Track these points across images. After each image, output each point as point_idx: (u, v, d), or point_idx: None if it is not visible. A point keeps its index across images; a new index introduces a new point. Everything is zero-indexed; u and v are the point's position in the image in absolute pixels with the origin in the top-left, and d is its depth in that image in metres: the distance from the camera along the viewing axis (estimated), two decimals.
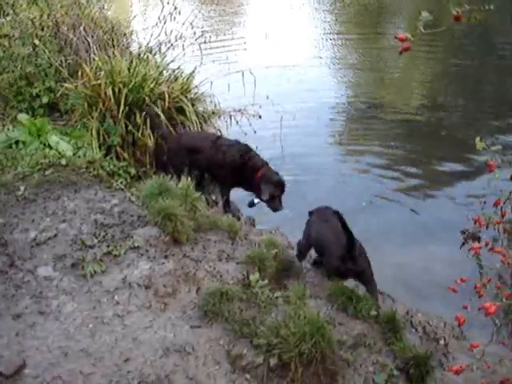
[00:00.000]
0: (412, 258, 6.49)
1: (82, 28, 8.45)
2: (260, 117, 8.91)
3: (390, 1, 24.71)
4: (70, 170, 6.12)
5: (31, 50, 7.98)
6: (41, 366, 3.89)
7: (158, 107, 7.32)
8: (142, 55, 8.31)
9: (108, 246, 5.05)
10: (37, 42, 7.99)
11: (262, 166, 6.65)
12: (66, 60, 8.10)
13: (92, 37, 8.43)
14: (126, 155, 7.30)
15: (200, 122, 7.86)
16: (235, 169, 6.72)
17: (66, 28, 8.40)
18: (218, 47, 14.62)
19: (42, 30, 8.38)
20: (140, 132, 7.28)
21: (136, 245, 5.11)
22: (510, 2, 18.10)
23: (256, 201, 6.84)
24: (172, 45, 8.70)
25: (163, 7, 8.91)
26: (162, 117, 7.29)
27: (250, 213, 7.12)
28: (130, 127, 7.28)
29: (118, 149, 7.29)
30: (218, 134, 7.92)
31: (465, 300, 3.65)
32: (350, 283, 5.40)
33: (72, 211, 5.52)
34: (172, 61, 8.42)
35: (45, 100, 7.86)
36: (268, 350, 4.14)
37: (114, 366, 3.96)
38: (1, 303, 4.39)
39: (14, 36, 8.12)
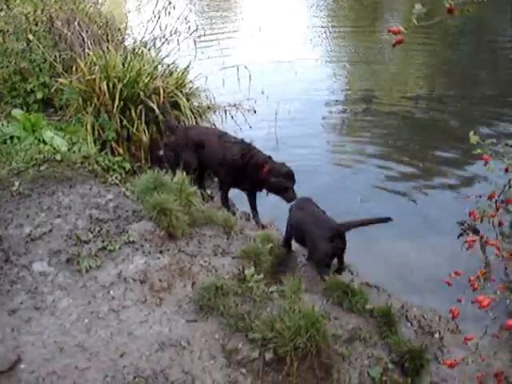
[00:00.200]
0: (407, 252, 6.49)
1: (76, 23, 8.41)
2: (255, 111, 8.91)
3: None
4: (64, 165, 6.11)
5: (25, 45, 7.94)
6: (36, 361, 3.90)
7: (152, 102, 7.30)
8: (136, 50, 8.29)
9: (103, 241, 5.05)
10: (31, 37, 7.95)
11: (265, 162, 6.52)
12: (60, 55, 8.07)
13: (86, 32, 8.40)
14: (120, 150, 7.28)
15: (195, 117, 7.85)
16: (236, 168, 6.59)
17: (60, 23, 8.36)
18: (212, 41, 14.60)
19: (36, 25, 8.34)
20: (135, 127, 7.25)
21: (131, 240, 5.11)
22: None
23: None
24: (167, 40, 8.69)
25: (157, 2, 8.89)
26: (157, 112, 7.27)
27: (245, 207, 7.11)
28: (124, 122, 7.26)
29: (113, 144, 7.27)
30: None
31: (460, 293, 3.65)
32: (345, 278, 5.43)
33: (67, 206, 5.52)
34: (167, 55, 8.41)
35: (39, 95, 7.83)
36: (263, 345, 4.15)
37: (110, 361, 3.97)
38: None
39: (7, 31, 8.08)
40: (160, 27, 8.71)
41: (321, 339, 4.16)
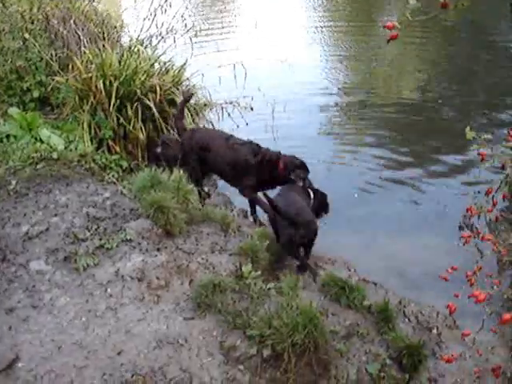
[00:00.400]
0: (404, 248, 6.49)
1: (72, 21, 8.41)
2: (252, 109, 8.92)
3: None
4: (61, 163, 6.10)
5: (21, 43, 7.93)
6: (34, 359, 3.90)
7: (149, 100, 7.29)
8: (132, 48, 8.28)
9: (100, 239, 5.05)
10: (27, 35, 7.93)
11: (278, 158, 6.41)
12: (56, 53, 8.06)
13: (82, 30, 8.39)
14: (117, 148, 7.27)
15: (192, 115, 7.84)
16: (251, 168, 6.42)
17: (56, 21, 8.34)
18: (208, 39, 14.59)
19: (32, 23, 8.32)
20: (131, 125, 7.25)
21: (128, 238, 5.12)
22: None
23: None
24: (163, 37, 8.68)
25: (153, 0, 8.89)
26: (154, 109, 7.26)
27: (242, 205, 7.10)
28: (121, 120, 7.25)
29: (110, 142, 7.26)
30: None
31: (457, 289, 3.66)
32: (343, 274, 5.43)
33: (64, 205, 5.51)
34: (163, 53, 8.40)
35: (36, 94, 7.82)
36: (261, 341, 4.16)
37: (108, 359, 3.97)
38: None
39: (3, 30, 8.05)
40: (156, 25, 8.70)
41: (318, 335, 4.17)
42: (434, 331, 5.04)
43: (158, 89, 7.36)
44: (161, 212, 5.26)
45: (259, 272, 4.87)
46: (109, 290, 4.58)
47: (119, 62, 7.56)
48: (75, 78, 7.46)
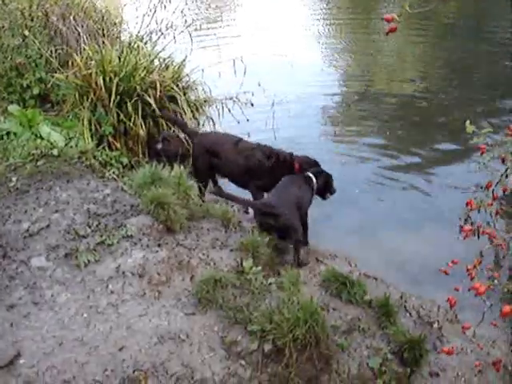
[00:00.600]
0: (405, 243, 6.49)
1: (71, 18, 8.39)
2: (252, 104, 8.89)
3: None
4: (62, 160, 6.09)
5: (21, 40, 7.91)
6: (36, 355, 3.91)
7: (149, 96, 7.28)
8: (132, 44, 8.26)
9: (101, 236, 5.05)
10: (26, 32, 7.92)
11: (292, 159, 6.45)
12: (56, 50, 8.04)
13: (82, 26, 8.37)
14: (118, 145, 7.26)
15: (192, 111, 7.83)
16: (264, 171, 6.43)
17: (55, 18, 8.33)
18: (208, 35, 14.55)
19: (32, 20, 8.31)
20: (132, 121, 7.24)
21: (129, 234, 5.12)
22: None
23: None
24: (163, 33, 8.66)
25: None
26: (154, 106, 7.25)
27: None
28: (121, 116, 7.24)
29: (110, 138, 7.25)
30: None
31: (458, 283, 3.66)
32: (344, 269, 5.44)
33: (64, 201, 5.51)
34: (163, 49, 8.38)
35: (36, 91, 7.81)
36: (262, 336, 4.17)
37: (109, 355, 3.98)
38: None
39: (3, 27, 8.06)
40: (156, 21, 8.67)
41: (320, 330, 4.18)
42: (435, 325, 5.06)
43: (157, 85, 7.35)
44: (161, 208, 5.26)
45: (260, 267, 4.89)
46: (110, 286, 4.59)
47: (119, 59, 7.54)
48: (75, 75, 7.44)
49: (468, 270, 3.37)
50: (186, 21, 9.08)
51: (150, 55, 8.05)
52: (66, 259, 4.78)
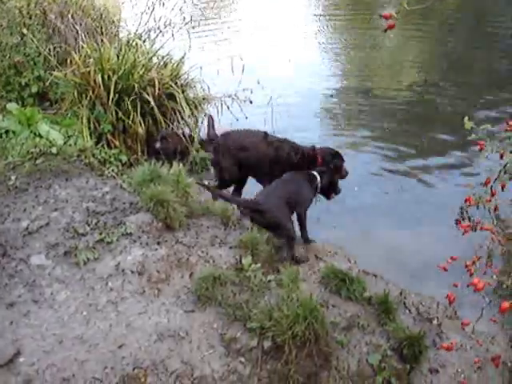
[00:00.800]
0: (405, 239, 6.49)
1: (70, 16, 8.40)
2: (251, 102, 8.86)
3: None
4: (60, 158, 6.09)
5: (19, 39, 7.93)
6: (35, 354, 3.91)
7: (148, 94, 7.28)
8: (131, 42, 8.25)
9: (100, 234, 5.05)
10: (25, 30, 7.93)
11: (315, 153, 6.45)
12: (54, 48, 8.06)
13: (80, 24, 8.38)
14: (117, 143, 7.27)
15: (191, 109, 7.83)
16: (290, 165, 6.38)
17: (53, 16, 8.34)
18: (206, 32, 14.56)
19: (30, 18, 8.32)
20: (130, 119, 7.24)
21: (128, 231, 5.12)
22: None
23: None
24: (161, 31, 8.65)
25: None
26: (153, 103, 7.25)
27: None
28: (120, 114, 7.24)
29: (109, 136, 7.26)
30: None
31: (458, 279, 3.66)
32: (343, 266, 5.44)
33: (64, 200, 5.52)
34: (161, 47, 8.37)
35: (34, 89, 7.82)
36: (262, 333, 4.18)
37: (109, 353, 3.98)
38: None
39: (1, 25, 8.06)
40: (154, 19, 8.67)
41: (319, 327, 4.18)
42: (435, 322, 5.05)
43: (156, 83, 7.34)
44: (161, 206, 5.27)
45: (259, 264, 4.89)
46: (109, 283, 4.59)
47: (117, 56, 7.54)
48: (73, 73, 7.44)
49: (467, 266, 3.37)
50: (184, 18, 9.08)
51: (148, 53, 8.06)
52: (66, 257, 4.79)
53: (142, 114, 7.32)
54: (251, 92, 8.96)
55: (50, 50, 7.95)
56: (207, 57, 9.60)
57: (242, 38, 15.13)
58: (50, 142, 6.46)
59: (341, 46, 15.34)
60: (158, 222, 5.31)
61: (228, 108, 8.57)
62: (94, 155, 6.42)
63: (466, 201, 3.67)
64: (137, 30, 8.56)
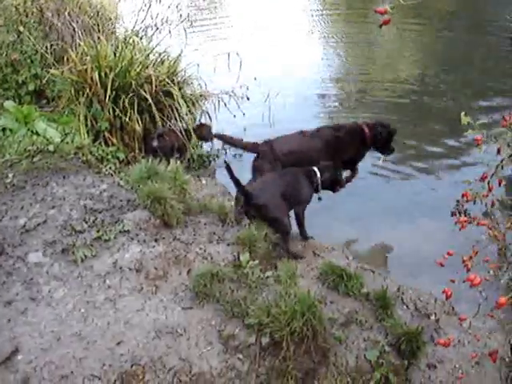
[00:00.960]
0: (402, 235, 6.50)
1: (66, 13, 8.40)
2: (248, 98, 8.87)
3: None
4: (58, 156, 6.09)
5: (16, 36, 7.93)
6: (33, 351, 3.92)
7: (145, 91, 7.27)
8: (127, 39, 8.24)
9: (98, 231, 5.05)
10: (21, 28, 7.94)
11: (363, 127, 6.53)
12: (51, 46, 8.06)
13: (77, 22, 8.38)
14: (114, 140, 7.26)
15: (188, 106, 7.82)
16: (342, 143, 6.51)
17: (50, 14, 8.34)
18: (203, 29, 14.56)
19: (27, 16, 8.32)
20: (128, 116, 7.23)
21: (126, 229, 5.12)
22: None
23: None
24: (158, 28, 8.64)
25: None
26: (150, 100, 7.24)
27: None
28: (117, 112, 7.23)
29: (106, 134, 7.25)
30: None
31: (455, 275, 3.66)
32: (341, 262, 5.44)
33: (61, 197, 5.51)
34: (158, 44, 8.36)
35: (31, 87, 7.83)
36: (260, 330, 4.18)
37: (107, 350, 3.99)
38: None
39: None
40: (151, 16, 8.66)
41: (317, 323, 4.18)
42: (432, 317, 5.05)
43: (153, 80, 7.34)
44: (158, 203, 5.26)
45: (257, 261, 4.89)
46: (107, 281, 4.59)
47: (114, 54, 7.53)
48: (70, 71, 7.43)
49: (464, 261, 3.37)
50: (181, 15, 9.07)
51: (145, 50, 8.05)
52: (63, 255, 4.79)
53: (139, 112, 7.31)
54: (247, 88, 8.97)
55: (46, 47, 7.95)
56: (204, 54, 9.58)
57: (239, 33, 15.08)
58: (47, 139, 6.45)
59: (338, 42, 15.33)
60: (156, 219, 5.31)
61: (225, 105, 8.56)
62: (91, 153, 6.42)
63: (462, 196, 3.67)
64: (134, 27, 8.56)
